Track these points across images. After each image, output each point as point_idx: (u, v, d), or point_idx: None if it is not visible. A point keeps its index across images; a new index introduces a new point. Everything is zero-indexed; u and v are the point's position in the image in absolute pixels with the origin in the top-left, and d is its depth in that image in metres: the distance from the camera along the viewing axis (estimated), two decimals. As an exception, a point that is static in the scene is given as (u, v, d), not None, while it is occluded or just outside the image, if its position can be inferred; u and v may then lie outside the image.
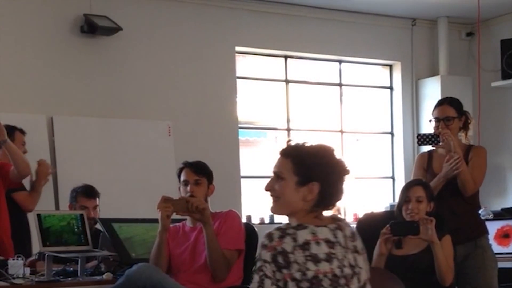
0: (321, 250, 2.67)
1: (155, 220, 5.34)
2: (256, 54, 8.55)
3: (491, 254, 4.95)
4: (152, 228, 4.84)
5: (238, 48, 8.22)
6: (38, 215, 4.71)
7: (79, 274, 4.55)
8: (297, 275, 2.64)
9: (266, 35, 8.29)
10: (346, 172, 2.77)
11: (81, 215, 4.83)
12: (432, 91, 8.83)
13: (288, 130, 8.71)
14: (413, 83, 9.11)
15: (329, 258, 2.67)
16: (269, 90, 8.68)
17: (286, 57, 8.69)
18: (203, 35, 7.88)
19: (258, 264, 2.68)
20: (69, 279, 4.52)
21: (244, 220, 7.28)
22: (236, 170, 7.95)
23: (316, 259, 2.66)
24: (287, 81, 8.75)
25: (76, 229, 4.78)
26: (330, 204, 2.77)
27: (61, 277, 4.53)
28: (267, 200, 2.87)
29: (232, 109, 8.07)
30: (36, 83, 6.95)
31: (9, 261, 4.62)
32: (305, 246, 2.67)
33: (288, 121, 8.69)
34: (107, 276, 4.53)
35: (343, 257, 2.70)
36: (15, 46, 6.89)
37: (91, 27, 7.20)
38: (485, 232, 5.02)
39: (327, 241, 2.70)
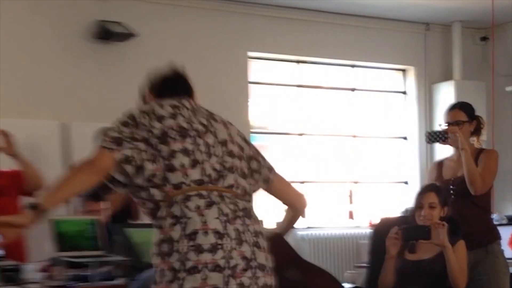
0: None
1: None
2: (269, 59, 8.56)
3: (503, 260, 4.88)
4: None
5: (250, 53, 8.24)
6: (52, 220, 4.74)
7: (92, 279, 4.58)
8: None
9: (279, 40, 8.31)
10: None
11: (95, 220, 4.86)
12: (446, 96, 8.82)
13: (301, 135, 8.71)
14: (427, 87, 9.11)
15: None
16: (282, 95, 8.70)
17: (298, 62, 8.71)
18: (216, 41, 7.91)
19: None
20: (82, 284, 4.55)
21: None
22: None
23: None
24: (299, 86, 8.76)
25: (89, 234, 4.81)
26: None
27: (74, 282, 4.56)
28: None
29: (244, 114, 8.08)
30: (50, 90, 7.00)
31: (23, 266, 4.66)
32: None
33: (301, 126, 8.70)
34: (119, 281, 4.56)
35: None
36: (30, 52, 6.94)
37: (106, 33, 7.24)
38: (497, 237, 4.95)
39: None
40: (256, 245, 2.79)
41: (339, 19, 8.56)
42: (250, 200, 3.00)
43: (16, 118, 6.52)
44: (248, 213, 2.89)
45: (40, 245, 5.22)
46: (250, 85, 8.26)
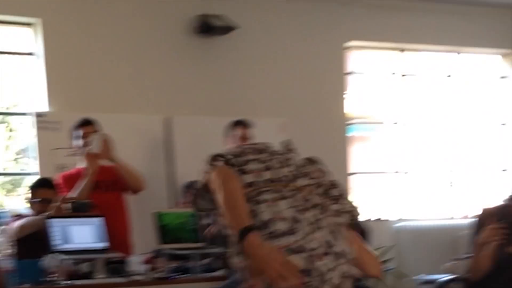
0: None
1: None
2: (369, 48, 8.49)
3: None
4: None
5: (351, 43, 8.18)
6: (156, 213, 4.86)
7: (194, 271, 4.68)
8: None
9: (379, 28, 8.22)
10: None
11: (196, 213, 4.94)
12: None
13: (402, 124, 8.60)
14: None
15: None
16: (382, 84, 8.60)
17: (400, 49, 8.59)
18: (311, 31, 7.89)
19: None
20: (185, 275, 4.66)
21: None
22: (344, 166, 7.91)
23: None
24: (400, 75, 8.64)
25: (191, 227, 4.91)
26: None
27: (177, 273, 4.67)
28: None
29: (340, 105, 8.04)
30: (153, 85, 7.12)
31: (128, 258, 4.81)
32: None
33: (401, 115, 8.59)
34: (220, 272, 4.64)
35: None
36: (133, 47, 7.08)
37: (207, 27, 7.31)
38: None
39: None
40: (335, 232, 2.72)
41: (439, 5, 8.39)
42: None
43: (120, 113, 6.70)
44: None
45: (144, 238, 5.39)
46: (347, 75, 8.19)
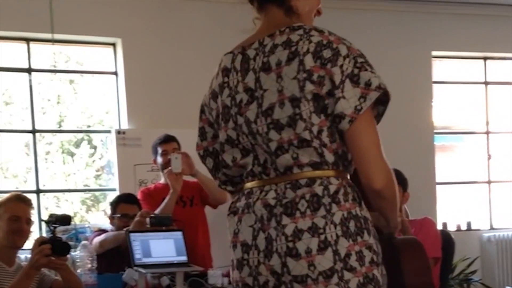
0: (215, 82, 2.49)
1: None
2: (453, 58, 8.33)
3: None
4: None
5: (434, 53, 8.05)
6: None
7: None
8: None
9: (463, 38, 8.07)
10: None
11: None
12: None
13: (487, 133, 8.40)
14: None
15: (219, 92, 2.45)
16: (467, 93, 8.43)
17: (485, 58, 8.41)
18: (399, 41, 7.80)
19: None
20: None
21: (440, 227, 7.11)
22: (432, 176, 7.77)
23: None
24: (486, 83, 8.45)
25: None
26: None
27: (257, 286, 4.62)
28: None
29: (428, 114, 7.92)
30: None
31: (208, 271, 4.78)
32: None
33: (487, 124, 8.39)
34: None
35: (236, 83, 2.39)
36: (211, 63, 6.97)
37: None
38: None
39: (224, 69, 2.48)
40: (290, 253, 2.21)
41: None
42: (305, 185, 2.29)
43: (183, 128, 6.70)
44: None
45: (224, 251, 5.35)
46: (434, 84, 8.07)
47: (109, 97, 6.96)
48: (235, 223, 2.34)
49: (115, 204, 5.27)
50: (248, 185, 2.36)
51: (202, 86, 7.11)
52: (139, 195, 5.53)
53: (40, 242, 3.82)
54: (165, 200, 5.35)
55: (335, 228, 2.19)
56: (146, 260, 4.65)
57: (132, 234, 4.70)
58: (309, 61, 2.22)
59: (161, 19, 6.97)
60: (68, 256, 3.96)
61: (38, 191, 6.57)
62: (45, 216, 5.63)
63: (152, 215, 4.96)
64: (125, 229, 4.83)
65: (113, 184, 6.66)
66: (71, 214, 4.38)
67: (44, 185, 6.67)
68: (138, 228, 4.87)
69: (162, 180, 5.62)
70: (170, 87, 6.88)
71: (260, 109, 2.29)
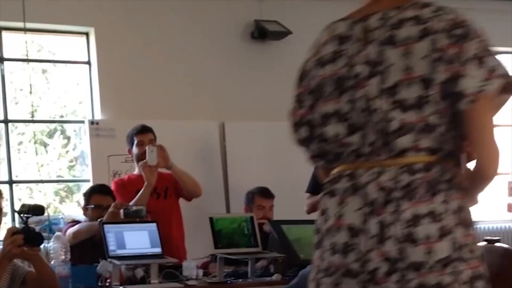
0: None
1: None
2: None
3: None
4: (320, 229, 4.83)
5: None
6: (211, 218, 4.82)
7: (249, 276, 4.62)
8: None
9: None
10: None
11: (251, 217, 4.90)
12: None
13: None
14: None
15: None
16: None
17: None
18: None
19: None
20: (240, 280, 4.60)
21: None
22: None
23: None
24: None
25: (246, 231, 4.86)
26: None
27: (232, 278, 4.61)
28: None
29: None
30: (208, 90, 7.10)
31: (183, 263, 4.77)
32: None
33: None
34: (276, 277, 4.57)
35: (355, 53, 2.27)
36: (186, 54, 7.06)
37: (262, 33, 7.28)
38: None
39: (339, 37, 2.36)
40: (408, 239, 2.13)
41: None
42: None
43: (174, 119, 6.68)
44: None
45: (199, 243, 5.34)
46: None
47: (82, 87, 6.90)
48: (337, 206, 2.23)
49: (89, 195, 5.24)
50: (350, 165, 2.24)
51: (176, 76, 7.17)
52: (112, 186, 5.50)
53: (12, 232, 3.79)
54: (140, 192, 5.33)
55: (453, 215, 2.14)
56: (120, 252, 4.62)
57: (106, 226, 4.68)
58: (442, 40, 2.14)
59: (134, 8, 6.92)
60: (41, 247, 3.93)
61: (10, 182, 6.50)
62: (18, 207, 5.58)
63: (126, 207, 4.94)
64: (98, 220, 4.80)
65: (86, 175, 6.62)
66: (45, 205, 4.33)
67: (16, 176, 6.61)
68: (112, 219, 4.84)
69: (136, 171, 5.59)
70: (144, 77, 6.83)
71: (383, 85, 2.19)
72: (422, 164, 2.17)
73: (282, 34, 7.33)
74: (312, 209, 5.71)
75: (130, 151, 5.61)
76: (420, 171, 2.16)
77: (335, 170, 2.29)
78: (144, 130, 5.57)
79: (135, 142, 5.53)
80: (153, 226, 4.84)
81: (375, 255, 2.14)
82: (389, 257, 2.12)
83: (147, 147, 5.38)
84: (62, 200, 6.95)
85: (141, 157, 5.45)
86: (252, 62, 7.37)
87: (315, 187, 5.70)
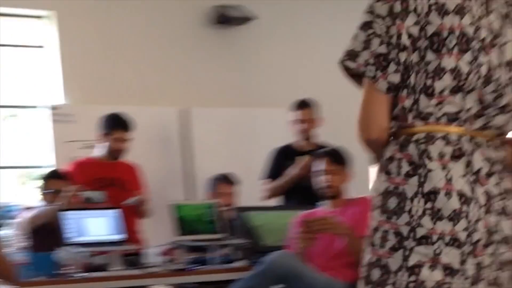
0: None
1: (287, 208, 5.33)
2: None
3: None
4: (284, 215, 4.81)
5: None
6: (173, 205, 4.76)
7: (212, 262, 4.57)
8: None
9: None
10: None
11: (214, 204, 4.86)
12: None
13: None
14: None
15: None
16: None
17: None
18: (334, 21, 7.74)
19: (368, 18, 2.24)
20: (203, 267, 4.55)
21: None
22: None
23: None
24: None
25: (209, 218, 4.82)
26: None
27: (195, 265, 4.57)
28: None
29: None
30: (169, 76, 7.03)
31: (145, 250, 4.71)
32: None
33: None
34: (240, 263, 4.54)
35: (480, 16, 2.16)
36: (149, 39, 6.98)
37: (225, 18, 7.21)
38: None
39: None
40: (504, 211, 2.15)
41: None
42: None
43: (136, 105, 6.58)
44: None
45: (161, 230, 5.27)
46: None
47: (42, 72, 6.77)
48: (441, 169, 2.09)
49: (46, 180, 5.18)
50: (451, 129, 2.13)
51: (139, 62, 7.07)
52: (71, 167, 5.43)
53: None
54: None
55: None
56: (81, 239, 4.56)
57: (66, 212, 4.61)
58: None
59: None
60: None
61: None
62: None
63: (83, 190, 4.88)
64: (56, 203, 4.73)
65: (46, 161, 6.50)
66: (2, 192, 4.24)
67: (-25, 162, 6.48)
68: (70, 203, 4.77)
69: (95, 154, 5.51)
70: (107, 62, 6.73)
71: (503, 59, 2.15)
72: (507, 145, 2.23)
73: (245, 19, 7.27)
74: (272, 194, 5.69)
75: (102, 136, 5.47)
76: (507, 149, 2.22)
77: (419, 129, 2.15)
78: (127, 128, 5.47)
79: (113, 135, 5.43)
80: (115, 212, 4.77)
81: (481, 226, 2.08)
82: (490, 228, 2.10)
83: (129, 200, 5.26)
84: (21, 186, 6.83)
85: (115, 153, 5.39)
86: (215, 47, 7.30)
87: (274, 173, 5.68)
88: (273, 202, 5.77)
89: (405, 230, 2.09)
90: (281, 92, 7.34)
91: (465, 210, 2.07)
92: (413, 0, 2.15)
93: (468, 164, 2.11)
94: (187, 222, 4.75)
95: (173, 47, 7.08)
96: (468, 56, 2.12)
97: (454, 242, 2.07)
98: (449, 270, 2.07)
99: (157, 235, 5.28)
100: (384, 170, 2.17)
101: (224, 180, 5.57)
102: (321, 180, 4.50)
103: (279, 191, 5.65)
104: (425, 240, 2.07)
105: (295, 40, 7.60)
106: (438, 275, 2.07)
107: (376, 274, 2.12)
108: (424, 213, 2.08)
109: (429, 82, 2.13)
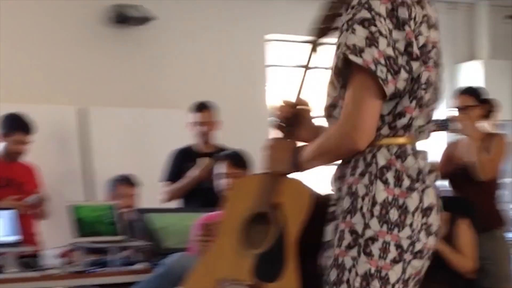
0: None
1: (189, 210, 5.32)
2: (287, 41, 8.43)
3: (504, 246, 4.94)
4: (186, 217, 4.80)
5: (268, 36, 8.12)
6: (71, 206, 4.68)
7: (112, 264, 4.52)
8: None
9: (297, 22, 8.16)
10: None
11: (114, 205, 4.80)
12: (472, 75, 8.62)
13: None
14: (452, 67, 8.91)
15: None
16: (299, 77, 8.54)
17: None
18: (233, 23, 7.79)
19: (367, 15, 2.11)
20: (102, 269, 4.49)
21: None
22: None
23: None
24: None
25: (108, 220, 4.76)
26: None
27: (94, 267, 4.50)
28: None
29: (262, 98, 7.97)
30: (67, 75, 6.91)
31: (41, 252, 4.61)
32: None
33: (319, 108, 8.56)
34: (140, 265, 4.51)
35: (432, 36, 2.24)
36: (47, 38, 6.85)
37: (123, 17, 7.14)
38: (502, 224, 4.98)
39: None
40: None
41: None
42: None
43: (33, 104, 6.43)
44: None
45: (60, 232, 5.16)
46: (268, 67, 8.14)
47: None
48: (433, 186, 2.18)
49: None
50: (412, 139, 2.18)
51: (36, 60, 6.88)
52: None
53: None
54: None
55: None
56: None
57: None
58: None
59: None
60: None
61: None
62: None
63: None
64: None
65: None
66: None
67: None
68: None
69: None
70: (3, 60, 6.52)
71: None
72: None
73: (143, 19, 7.22)
74: (171, 197, 5.67)
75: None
76: None
77: (401, 141, 2.16)
78: (28, 130, 5.34)
79: (13, 137, 5.28)
80: (11, 213, 4.64)
81: None
82: None
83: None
84: None
85: (12, 155, 5.27)
86: (114, 47, 7.22)
87: (174, 175, 5.66)
88: (174, 204, 5.75)
89: (405, 244, 2.10)
90: (180, 93, 7.33)
91: (437, 225, 2.19)
92: (414, 7, 2.14)
93: (425, 175, 2.19)
94: (86, 224, 4.67)
95: (72, 46, 6.96)
96: (437, 71, 2.20)
97: (430, 256, 2.19)
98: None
99: (56, 237, 5.17)
100: (379, 178, 2.11)
101: (125, 182, 5.51)
102: (222, 183, 4.51)
103: (179, 193, 5.64)
104: (419, 254, 2.13)
105: (194, 41, 7.59)
106: None
107: (376, 285, 2.09)
108: (421, 228, 2.12)
109: (421, 93, 2.15)
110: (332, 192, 2.24)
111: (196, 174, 5.52)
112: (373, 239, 2.08)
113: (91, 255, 4.63)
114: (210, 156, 5.39)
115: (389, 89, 2.09)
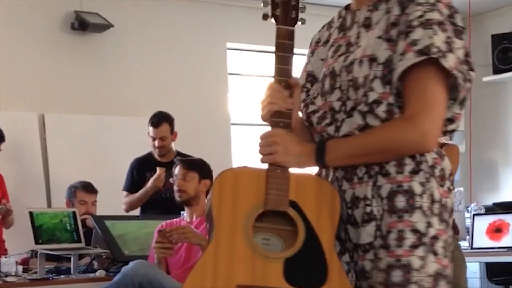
0: None
1: (148, 218, 5.36)
2: (248, 50, 8.51)
3: (458, 253, 5.06)
4: (144, 225, 4.84)
5: (229, 44, 8.19)
6: (30, 213, 4.68)
7: (72, 272, 4.54)
8: None
9: (257, 31, 8.25)
10: None
11: (74, 213, 4.81)
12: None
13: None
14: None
15: None
16: (261, 86, 8.63)
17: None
18: (194, 32, 7.86)
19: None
20: (62, 276, 4.50)
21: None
22: (228, 166, 7.90)
23: None
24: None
25: (68, 227, 4.77)
26: None
27: (54, 274, 4.51)
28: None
29: (223, 106, 8.04)
30: (27, 81, 6.91)
31: (1, 259, 4.61)
32: None
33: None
34: (100, 273, 4.52)
35: None
36: (5, 43, 6.83)
37: (82, 24, 7.16)
38: (454, 232, 5.06)
39: None
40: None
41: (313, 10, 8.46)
42: None
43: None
44: None
45: (18, 238, 5.18)
46: (229, 76, 8.20)
47: None
48: (453, 189, 2.19)
49: None
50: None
51: (4, 65, 6.83)
52: None
53: None
54: None
55: None
56: None
57: None
58: None
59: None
60: None
61: None
62: None
63: None
64: None
65: None
66: None
67: None
68: None
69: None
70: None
71: None
72: None
73: (104, 26, 7.26)
74: (131, 207, 5.73)
75: None
76: None
77: (438, 141, 2.20)
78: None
79: None
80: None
81: None
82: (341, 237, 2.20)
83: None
84: None
85: None
86: (73, 54, 7.24)
87: (134, 184, 5.72)
88: (135, 212, 5.82)
89: (447, 240, 2.13)
90: (139, 100, 7.38)
91: None
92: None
93: None
94: (46, 231, 4.68)
95: (29, 52, 6.97)
96: None
97: None
98: None
99: (15, 244, 5.20)
100: (432, 177, 2.09)
101: (84, 189, 5.54)
102: (174, 186, 4.59)
103: (137, 204, 5.71)
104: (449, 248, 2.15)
105: (154, 49, 7.64)
106: None
107: (443, 285, 2.10)
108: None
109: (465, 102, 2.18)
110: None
111: (150, 185, 5.59)
112: (436, 238, 2.07)
113: (50, 262, 4.65)
114: (169, 165, 5.46)
115: (461, 95, 2.11)
